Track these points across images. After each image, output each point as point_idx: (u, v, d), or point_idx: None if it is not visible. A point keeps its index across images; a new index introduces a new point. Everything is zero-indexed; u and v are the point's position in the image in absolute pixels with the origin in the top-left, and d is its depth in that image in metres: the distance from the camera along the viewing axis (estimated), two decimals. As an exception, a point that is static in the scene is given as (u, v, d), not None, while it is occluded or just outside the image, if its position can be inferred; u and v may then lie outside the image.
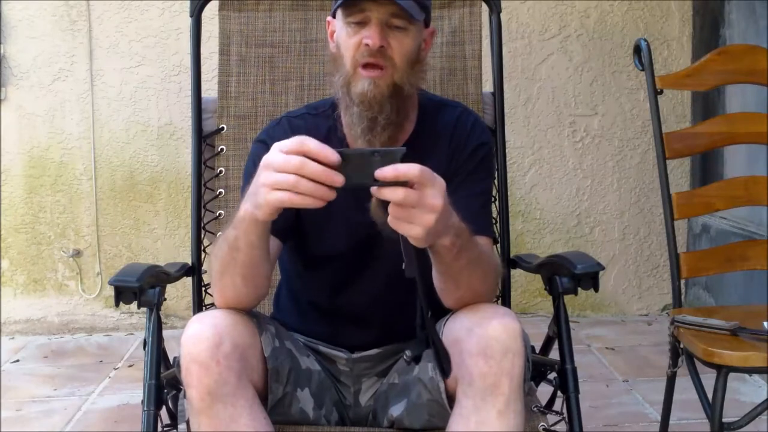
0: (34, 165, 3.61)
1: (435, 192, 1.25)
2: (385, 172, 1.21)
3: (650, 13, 3.70)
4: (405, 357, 1.40)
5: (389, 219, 1.26)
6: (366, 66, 1.53)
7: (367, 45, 1.51)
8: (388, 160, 1.21)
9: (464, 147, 1.63)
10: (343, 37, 1.55)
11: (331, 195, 1.23)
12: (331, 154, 1.21)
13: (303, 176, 1.22)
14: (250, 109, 2.04)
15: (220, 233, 1.95)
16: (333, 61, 1.60)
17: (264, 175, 1.27)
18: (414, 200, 1.23)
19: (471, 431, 1.41)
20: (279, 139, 1.66)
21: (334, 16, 1.60)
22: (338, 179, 1.21)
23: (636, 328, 3.60)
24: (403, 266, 1.32)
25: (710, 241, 3.45)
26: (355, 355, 1.66)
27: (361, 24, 1.53)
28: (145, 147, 3.63)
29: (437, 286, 1.49)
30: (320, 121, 1.65)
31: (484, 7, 2.04)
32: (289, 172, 1.23)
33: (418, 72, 1.59)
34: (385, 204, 1.26)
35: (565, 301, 1.69)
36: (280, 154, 1.25)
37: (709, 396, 1.79)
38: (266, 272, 1.50)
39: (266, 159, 1.27)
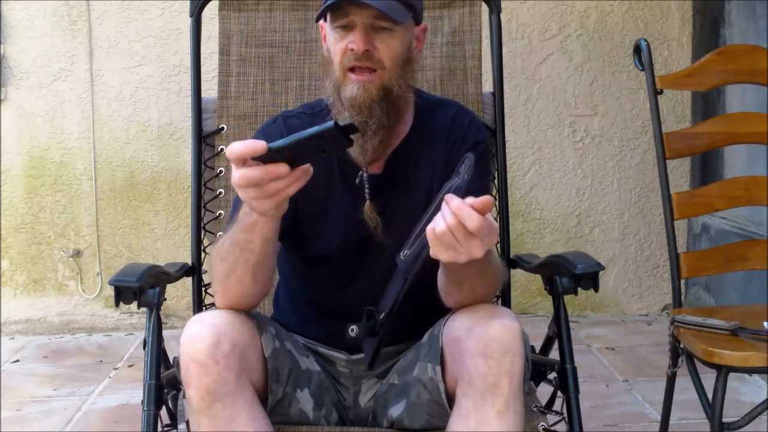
0: (34, 165, 3.61)
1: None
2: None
3: (650, 13, 3.70)
4: (350, 332, 1.41)
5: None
6: (354, 69, 1.53)
7: (353, 50, 1.51)
8: (324, 140, 1.24)
9: (461, 145, 1.63)
10: (331, 41, 1.56)
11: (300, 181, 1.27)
12: (256, 147, 1.25)
13: (258, 185, 1.26)
14: (250, 109, 2.04)
15: (220, 233, 1.96)
16: (325, 65, 1.61)
17: (241, 195, 1.31)
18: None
19: (471, 431, 1.41)
20: (274, 137, 1.66)
21: (324, 20, 1.60)
22: (282, 170, 1.25)
23: (636, 328, 3.60)
24: (402, 255, 1.34)
25: (710, 241, 3.45)
26: (354, 357, 1.65)
27: (347, 28, 1.53)
28: (145, 147, 3.63)
29: (440, 286, 1.49)
30: (316, 120, 1.64)
31: (484, 7, 2.04)
32: (250, 186, 1.27)
33: (409, 72, 1.59)
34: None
35: (565, 301, 1.69)
36: (235, 173, 1.29)
37: (709, 396, 1.79)
38: (273, 268, 1.52)
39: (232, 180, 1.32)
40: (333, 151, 1.31)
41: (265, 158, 1.25)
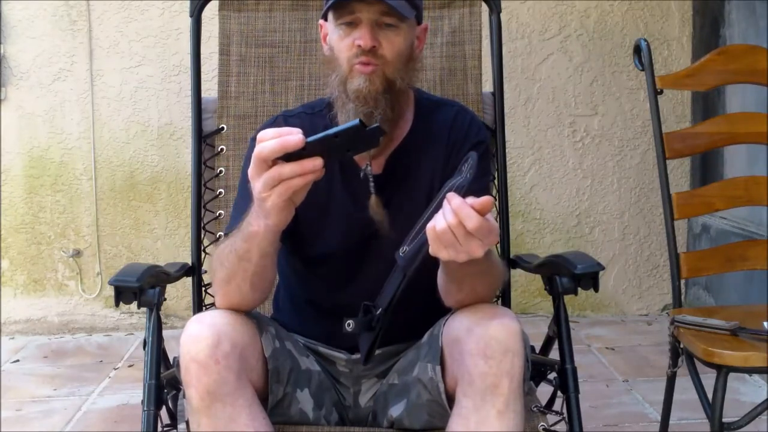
0: (34, 165, 3.61)
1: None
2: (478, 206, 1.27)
3: (650, 13, 3.70)
4: (346, 326, 1.42)
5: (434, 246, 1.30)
6: (361, 64, 1.54)
7: (359, 46, 1.52)
8: (351, 138, 1.26)
9: (462, 145, 1.63)
10: (336, 39, 1.57)
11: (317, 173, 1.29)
12: (293, 140, 1.26)
13: (285, 179, 1.28)
14: (250, 109, 2.04)
15: (220, 233, 1.96)
16: (327, 63, 1.61)
17: (256, 187, 1.32)
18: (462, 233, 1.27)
19: (471, 431, 1.41)
20: None
21: (325, 19, 1.61)
22: (317, 163, 1.27)
23: (636, 328, 3.60)
24: (401, 252, 1.35)
25: (710, 241, 3.45)
26: (354, 356, 1.65)
27: (352, 25, 1.54)
28: (145, 147, 3.63)
29: (440, 285, 1.49)
30: (316, 120, 1.65)
31: (484, 7, 2.04)
32: (275, 180, 1.29)
33: (411, 69, 1.60)
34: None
35: (565, 301, 1.69)
36: (256, 174, 1.30)
37: (709, 396, 1.79)
38: (273, 277, 1.53)
39: (249, 173, 1.32)
40: (359, 149, 1.32)
41: (290, 156, 1.26)
